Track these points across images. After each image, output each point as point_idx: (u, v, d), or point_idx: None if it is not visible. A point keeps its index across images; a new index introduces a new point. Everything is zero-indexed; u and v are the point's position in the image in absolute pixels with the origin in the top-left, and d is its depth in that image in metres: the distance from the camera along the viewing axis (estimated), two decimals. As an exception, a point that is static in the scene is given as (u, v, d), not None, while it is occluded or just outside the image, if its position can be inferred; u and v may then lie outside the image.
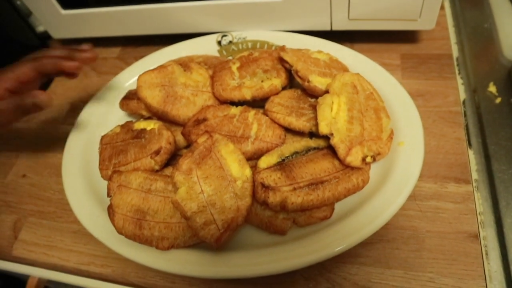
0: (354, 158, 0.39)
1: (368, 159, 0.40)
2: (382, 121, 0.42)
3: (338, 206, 0.39)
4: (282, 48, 0.48)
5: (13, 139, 0.58)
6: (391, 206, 0.37)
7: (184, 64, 0.49)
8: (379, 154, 0.40)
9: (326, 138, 0.40)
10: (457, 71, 0.52)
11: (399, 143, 0.42)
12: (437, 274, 0.37)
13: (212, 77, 0.48)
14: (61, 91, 0.63)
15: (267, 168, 0.38)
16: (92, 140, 0.48)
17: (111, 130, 0.46)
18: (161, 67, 0.47)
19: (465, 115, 0.48)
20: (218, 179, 0.37)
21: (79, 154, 0.47)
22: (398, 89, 0.46)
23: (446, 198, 0.42)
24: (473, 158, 0.45)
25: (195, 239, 0.37)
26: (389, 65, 0.54)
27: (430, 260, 0.38)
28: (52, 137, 0.56)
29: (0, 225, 0.49)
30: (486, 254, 0.38)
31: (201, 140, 0.40)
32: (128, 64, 0.60)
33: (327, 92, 0.42)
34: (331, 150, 0.40)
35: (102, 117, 0.52)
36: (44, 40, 0.66)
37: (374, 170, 0.41)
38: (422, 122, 0.43)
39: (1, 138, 0.58)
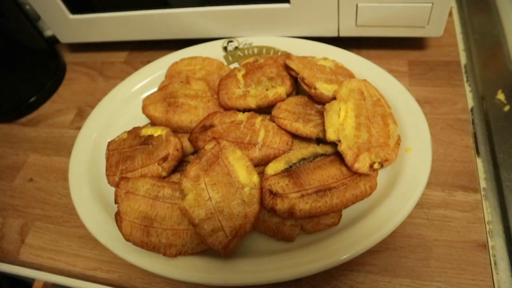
0: (361, 165, 0.39)
1: (376, 166, 0.39)
2: (389, 127, 0.42)
3: (345, 213, 0.39)
4: (288, 56, 0.48)
5: (21, 143, 0.58)
6: (398, 214, 0.37)
7: (185, 80, 0.50)
8: (386, 160, 0.40)
9: (334, 144, 0.40)
10: (465, 78, 0.52)
11: (407, 149, 0.41)
12: (445, 284, 0.37)
13: (218, 85, 0.48)
14: (68, 95, 0.63)
15: (274, 175, 0.38)
16: (99, 145, 0.48)
17: (118, 136, 0.46)
18: (162, 88, 0.49)
19: (473, 123, 0.48)
20: (226, 186, 0.37)
21: (86, 159, 0.47)
22: (406, 95, 0.46)
23: (454, 206, 0.41)
24: (481, 166, 0.45)
25: (203, 246, 0.37)
26: (396, 72, 0.54)
27: (438, 269, 0.38)
28: (59, 142, 0.57)
29: (7, 229, 0.49)
30: (495, 264, 0.38)
31: (208, 146, 0.40)
32: (136, 68, 0.60)
33: (334, 98, 0.42)
34: (339, 157, 0.40)
35: (109, 122, 0.52)
36: (52, 44, 0.67)
37: (382, 176, 0.41)
38: (430, 130, 0.42)
39: (9, 142, 0.59)
